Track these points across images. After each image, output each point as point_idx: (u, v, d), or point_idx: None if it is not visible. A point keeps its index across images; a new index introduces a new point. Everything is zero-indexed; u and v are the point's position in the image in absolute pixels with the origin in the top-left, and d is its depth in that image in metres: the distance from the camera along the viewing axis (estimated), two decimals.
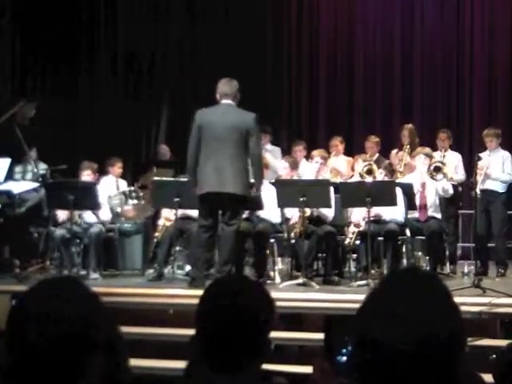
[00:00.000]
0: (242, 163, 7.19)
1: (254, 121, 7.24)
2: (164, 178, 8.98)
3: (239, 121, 7.21)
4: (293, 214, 8.19)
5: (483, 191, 8.49)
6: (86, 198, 8.20)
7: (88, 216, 8.65)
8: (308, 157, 9.65)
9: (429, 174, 8.30)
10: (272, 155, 10.22)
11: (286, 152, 10.43)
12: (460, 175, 9.27)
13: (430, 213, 8.39)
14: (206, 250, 7.37)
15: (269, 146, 10.67)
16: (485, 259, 8.69)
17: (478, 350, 5.18)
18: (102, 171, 9.29)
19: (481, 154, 8.26)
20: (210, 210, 7.32)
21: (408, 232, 8.27)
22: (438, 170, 8.31)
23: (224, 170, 7.11)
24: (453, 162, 9.21)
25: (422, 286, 1.44)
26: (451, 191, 8.44)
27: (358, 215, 8.14)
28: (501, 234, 8.82)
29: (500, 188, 8.79)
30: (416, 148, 9.18)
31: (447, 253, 8.88)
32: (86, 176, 8.74)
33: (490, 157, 8.69)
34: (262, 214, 8.17)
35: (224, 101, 7.31)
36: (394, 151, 9.78)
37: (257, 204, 7.99)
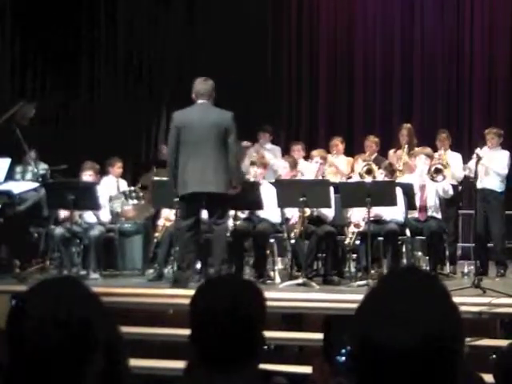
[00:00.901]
0: (223, 161, 7.22)
1: (232, 119, 7.29)
2: (164, 178, 8.97)
3: (218, 119, 7.26)
4: (293, 214, 8.19)
5: (481, 190, 8.51)
6: (86, 198, 8.20)
7: (88, 216, 8.65)
8: (307, 157, 9.68)
9: (429, 176, 8.31)
10: (272, 154, 10.24)
11: (286, 152, 10.45)
12: (460, 173, 9.28)
13: (430, 213, 8.40)
14: (189, 251, 7.38)
15: (268, 145, 10.72)
16: (484, 259, 8.71)
17: (478, 350, 5.19)
18: (102, 171, 9.30)
19: (480, 152, 8.26)
20: (192, 210, 7.33)
21: (408, 232, 8.28)
22: (438, 171, 8.32)
23: (207, 169, 7.15)
24: (453, 162, 9.22)
25: (421, 285, 1.44)
26: (451, 192, 8.45)
27: (357, 215, 8.14)
28: (499, 234, 8.84)
29: (498, 188, 8.82)
30: (414, 148, 9.20)
31: (447, 253, 8.89)
32: (88, 176, 8.74)
33: (489, 154, 8.73)
34: (262, 213, 8.17)
35: (200, 100, 7.37)
36: (392, 151, 9.79)
37: (257, 204, 7.99)
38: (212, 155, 7.18)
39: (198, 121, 7.22)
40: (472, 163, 8.11)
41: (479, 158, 8.00)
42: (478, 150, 8.08)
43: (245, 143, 10.77)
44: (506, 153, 8.96)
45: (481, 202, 8.52)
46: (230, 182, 7.30)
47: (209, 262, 8.69)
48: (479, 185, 8.30)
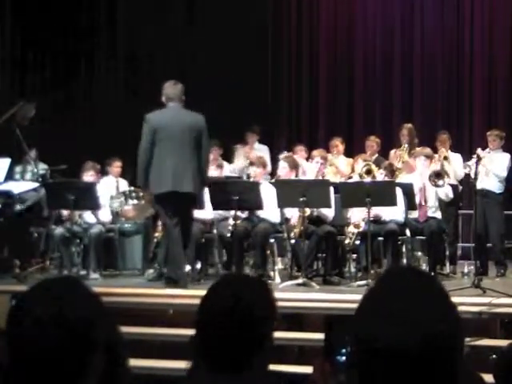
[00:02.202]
0: (197, 162, 7.38)
1: (204, 121, 7.48)
2: None
3: (193, 122, 7.44)
4: (293, 214, 8.19)
5: (480, 191, 8.53)
6: (86, 198, 8.20)
7: (88, 216, 8.65)
8: (308, 157, 9.68)
9: (431, 182, 8.29)
10: (260, 154, 10.22)
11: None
12: (460, 172, 9.29)
13: (430, 213, 8.40)
14: (179, 248, 7.47)
15: (256, 145, 10.76)
16: (484, 259, 8.71)
17: (478, 350, 5.19)
18: (102, 171, 9.30)
19: (481, 153, 8.26)
20: (172, 208, 7.42)
21: (408, 232, 8.28)
22: (439, 175, 8.32)
23: (183, 170, 7.29)
24: (454, 163, 9.23)
25: (420, 285, 1.44)
26: (451, 195, 8.47)
27: (357, 216, 8.14)
28: (498, 234, 8.84)
29: (496, 189, 8.83)
30: (415, 148, 9.20)
31: (447, 253, 8.88)
32: (90, 176, 8.76)
33: (490, 155, 8.72)
34: (262, 213, 8.17)
35: (171, 103, 7.50)
36: (393, 151, 9.78)
37: (257, 204, 7.99)
38: (188, 156, 7.34)
39: (173, 122, 7.39)
40: (472, 162, 8.11)
41: (479, 158, 8.01)
42: (479, 151, 8.09)
43: (238, 146, 10.81)
44: (507, 155, 8.96)
45: (480, 202, 8.54)
46: (203, 183, 7.48)
47: (209, 261, 8.72)
48: (479, 185, 8.31)
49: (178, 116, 7.43)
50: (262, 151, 10.59)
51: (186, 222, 7.47)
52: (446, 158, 8.83)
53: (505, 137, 9.09)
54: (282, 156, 9.41)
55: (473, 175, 7.96)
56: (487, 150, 8.78)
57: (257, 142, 10.90)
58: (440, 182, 8.30)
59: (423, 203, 8.40)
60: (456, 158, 9.39)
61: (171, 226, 7.43)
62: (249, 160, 9.80)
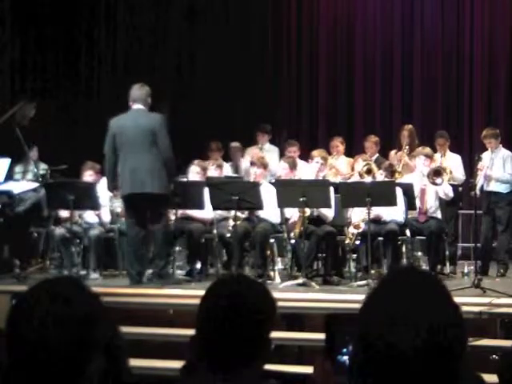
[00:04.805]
0: (155, 162, 7.48)
1: (160, 121, 7.60)
2: None
3: (147, 122, 7.56)
4: (292, 213, 8.18)
5: (488, 193, 8.54)
6: (86, 198, 8.21)
7: (88, 216, 8.64)
8: (302, 156, 9.66)
9: (430, 180, 8.28)
10: (270, 154, 10.17)
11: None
12: (460, 175, 9.28)
13: (430, 213, 8.40)
14: (136, 248, 7.63)
15: (267, 146, 10.64)
16: (487, 260, 8.70)
17: (478, 350, 5.19)
18: (102, 171, 9.28)
19: (482, 155, 8.26)
20: (133, 210, 7.66)
21: (408, 232, 8.28)
22: (438, 174, 8.31)
23: (139, 171, 7.45)
24: (453, 163, 9.21)
25: (423, 285, 1.44)
26: (451, 194, 8.46)
27: (358, 216, 8.13)
28: (505, 232, 8.82)
29: (504, 189, 8.80)
30: (415, 149, 9.17)
31: (447, 253, 8.87)
32: (89, 176, 8.75)
33: (491, 156, 8.69)
34: (262, 213, 8.17)
35: (135, 106, 7.64)
36: (393, 152, 9.76)
37: (257, 204, 7.98)
38: (145, 157, 7.47)
39: (130, 126, 7.55)
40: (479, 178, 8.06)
41: (479, 159, 8.00)
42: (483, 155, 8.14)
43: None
44: (509, 154, 8.87)
45: (487, 203, 8.56)
46: (168, 183, 7.58)
47: (209, 261, 8.71)
48: (485, 187, 8.33)
49: (136, 119, 7.59)
50: (272, 152, 10.47)
51: (152, 222, 7.60)
52: (445, 171, 8.67)
53: (499, 133, 8.98)
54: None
55: (480, 184, 7.95)
56: (488, 152, 8.72)
57: (268, 143, 10.77)
58: (438, 181, 8.29)
59: (423, 203, 8.40)
60: (455, 159, 9.37)
61: (128, 228, 7.74)
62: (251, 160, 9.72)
